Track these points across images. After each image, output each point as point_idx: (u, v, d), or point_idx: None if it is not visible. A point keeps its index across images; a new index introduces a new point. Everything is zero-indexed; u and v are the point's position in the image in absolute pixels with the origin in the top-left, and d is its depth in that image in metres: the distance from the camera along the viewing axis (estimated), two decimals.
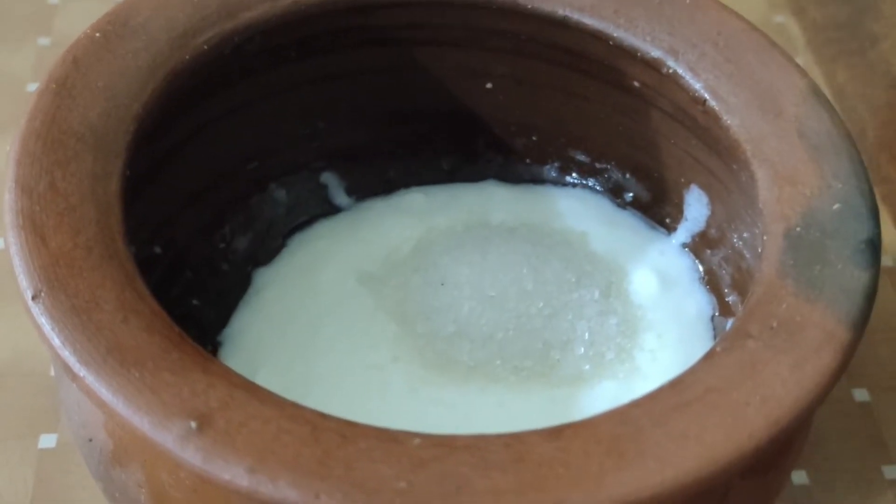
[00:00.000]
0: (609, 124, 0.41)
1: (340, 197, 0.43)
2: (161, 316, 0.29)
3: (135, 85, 0.35)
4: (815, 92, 0.35)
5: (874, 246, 0.31)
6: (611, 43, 0.38)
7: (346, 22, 0.40)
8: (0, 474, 0.39)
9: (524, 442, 0.27)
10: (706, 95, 0.36)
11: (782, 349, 0.29)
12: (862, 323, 0.30)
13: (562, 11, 0.38)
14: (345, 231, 0.42)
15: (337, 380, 0.36)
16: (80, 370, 0.28)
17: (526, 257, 0.40)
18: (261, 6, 0.38)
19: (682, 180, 0.40)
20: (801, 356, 0.29)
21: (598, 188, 0.43)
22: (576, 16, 0.38)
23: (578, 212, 0.43)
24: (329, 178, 0.43)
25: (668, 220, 0.42)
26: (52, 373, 0.41)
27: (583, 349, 0.38)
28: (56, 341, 0.28)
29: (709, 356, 0.29)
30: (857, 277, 0.31)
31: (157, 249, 0.39)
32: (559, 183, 0.44)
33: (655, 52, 0.37)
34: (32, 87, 0.53)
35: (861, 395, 0.42)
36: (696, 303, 0.40)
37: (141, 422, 0.27)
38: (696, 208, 0.40)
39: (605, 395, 0.37)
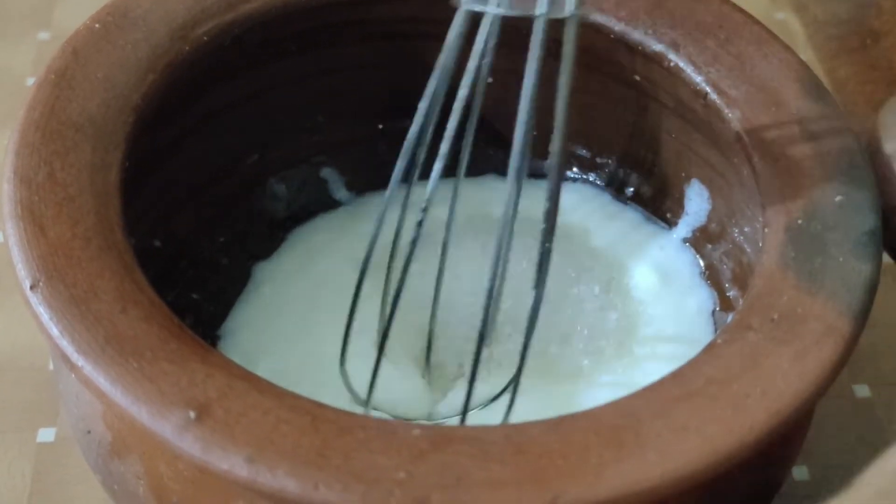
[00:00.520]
0: (610, 118, 0.41)
1: (340, 191, 0.43)
2: (160, 306, 0.29)
3: (134, 76, 0.35)
4: (817, 85, 0.35)
5: (876, 238, 0.31)
6: (612, 36, 0.38)
7: (346, 15, 0.40)
8: None
9: (524, 433, 0.27)
10: (707, 89, 0.36)
11: (783, 341, 0.29)
12: (863, 315, 0.30)
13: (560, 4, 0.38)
14: (344, 225, 0.42)
15: (335, 371, 0.36)
16: (79, 360, 0.28)
17: (526, 251, 0.40)
18: None
19: (683, 174, 0.40)
20: (802, 348, 0.29)
21: (598, 182, 0.43)
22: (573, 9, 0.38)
23: (579, 206, 0.42)
24: (329, 173, 0.43)
25: (668, 215, 0.42)
26: (52, 367, 0.41)
27: (582, 344, 0.38)
28: (54, 331, 0.28)
29: (710, 348, 0.29)
30: (859, 270, 0.30)
31: (157, 243, 0.39)
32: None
33: (657, 46, 0.37)
34: (32, 81, 0.53)
35: (862, 391, 0.42)
36: (697, 298, 0.40)
37: (139, 411, 0.27)
38: (696, 203, 0.40)
39: (604, 389, 0.37)
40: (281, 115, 0.41)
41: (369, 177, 0.43)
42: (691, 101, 0.37)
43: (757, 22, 0.37)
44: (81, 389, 0.31)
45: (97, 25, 0.36)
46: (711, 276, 0.40)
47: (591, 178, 0.43)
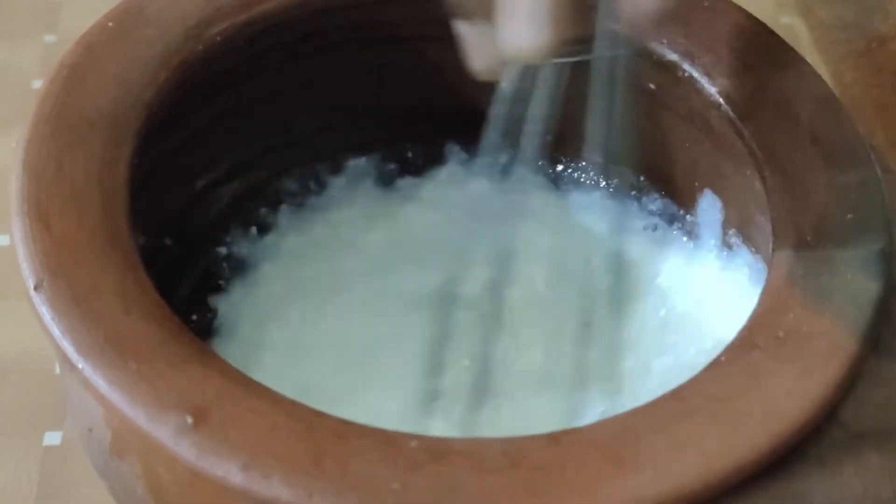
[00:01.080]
0: (624, 126, 0.41)
1: (349, 190, 0.43)
2: (161, 306, 0.29)
3: (147, 73, 0.35)
4: (830, 98, 0.35)
5: (885, 257, 0.31)
6: (624, 43, 0.37)
7: (359, 16, 0.39)
8: (5, 471, 0.39)
9: (521, 447, 0.27)
10: (721, 100, 0.35)
11: (788, 360, 0.28)
12: (870, 334, 0.29)
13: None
14: (354, 221, 0.42)
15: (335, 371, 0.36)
16: (79, 361, 0.28)
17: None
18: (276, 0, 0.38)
19: (696, 184, 0.40)
20: (807, 367, 0.28)
21: (611, 190, 0.43)
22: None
23: (591, 213, 0.42)
24: (340, 172, 0.43)
25: (681, 224, 0.41)
26: (58, 370, 0.41)
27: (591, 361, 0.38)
28: (56, 331, 0.28)
29: (713, 365, 0.29)
30: (867, 289, 0.30)
31: (168, 241, 0.39)
32: (572, 184, 0.43)
33: (671, 55, 0.37)
34: (38, 83, 0.53)
35: None
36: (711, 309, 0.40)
37: (136, 415, 0.27)
38: (709, 213, 0.40)
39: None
40: (293, 116, 0.41)
41: (381, 175, 0.43)
42: (705, 111, 0.36)
43: (773, 33, 0.36)
44: (83, 390, 0.31)
45: (111, 23, 0.36)
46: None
47: (603, 185, 0.43)
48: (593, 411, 0.36)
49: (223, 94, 0.38)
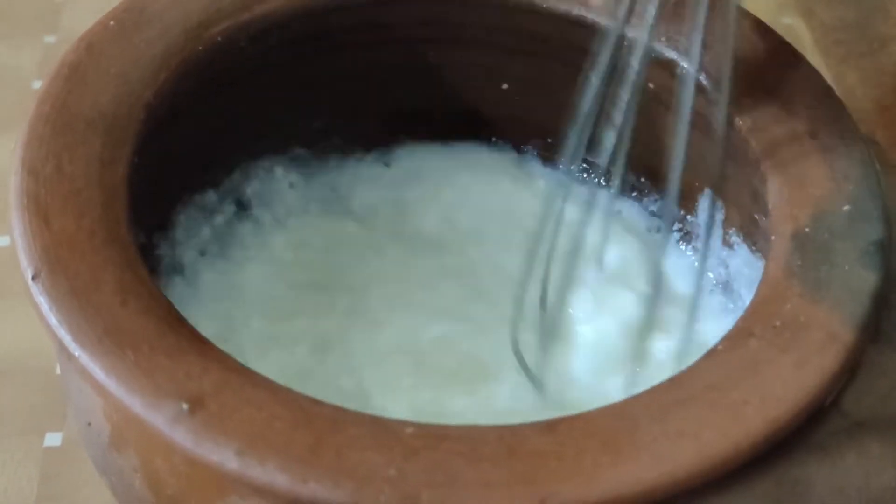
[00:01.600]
0: (620, 125, 0.41)
1: (351, 191, 0.43)
2: (160, 299, 0.29)
3: (148, 73, 0.35)
4: (829, 94, 0.35)
5: (883, 248, 0.31)
6: (626, 44, 0.37)
7: (361, 17, 0.40)
8: (5, 472, 0.39)
9: (518, 434, 0.27)
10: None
11: (784, 349, 0.28)
12: (867, 325, 0.29)
13: (577, 11, 0.38)
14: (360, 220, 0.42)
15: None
16: (76, 350, 0.28)
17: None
18: (277, 0, 0.38)
19: (696, 184, 0.40)
20: (804, 356, 0.28)
21: (612, 191, 0.43)
22: (591, 16, 0.38)
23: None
24: (340, 174, 0.43)
25: (681, 224, 0.41)
26: (58, 370, 0.41)
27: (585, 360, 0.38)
28: (53, 321, 0.28)
29: (710, 354, 0.29)
30: (864, 279, 0.30)
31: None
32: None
33: (670, 54, 0.37)
34: (38, 84, 0.53)
35: None
36: (708, 308, 0.40)
37: (133, 402, 0.27)
38: (709, 212, 0.40)
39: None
40: (294, 117, 0.41)
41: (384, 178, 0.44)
42: (703, 109, 0.36)
43: (770, 30, 0.37)
44: (82, 382, 0.31)
45: (112, 22, 0.36)
46: (725, 287, 0.40)
47: (602, 186, 0.43)
48: None
49: (223, 95, 0.38)
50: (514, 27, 0.40)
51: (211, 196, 0.41)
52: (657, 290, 0.38)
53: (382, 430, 0.27)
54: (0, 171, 0.33)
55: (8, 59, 0.55)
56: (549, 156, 0.44)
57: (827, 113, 0.34)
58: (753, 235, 0.37)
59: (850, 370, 0.29)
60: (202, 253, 0.40)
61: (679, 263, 0.41)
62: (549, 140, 0.43)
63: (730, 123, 0.36)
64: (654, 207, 0.42)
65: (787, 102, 0.35)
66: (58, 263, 0.29)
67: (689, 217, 0.41)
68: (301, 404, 0.27)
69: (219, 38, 0.37)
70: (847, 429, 0.28)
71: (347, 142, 0.43)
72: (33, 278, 0.29)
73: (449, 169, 0.43)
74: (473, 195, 0.43)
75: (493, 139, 0.44)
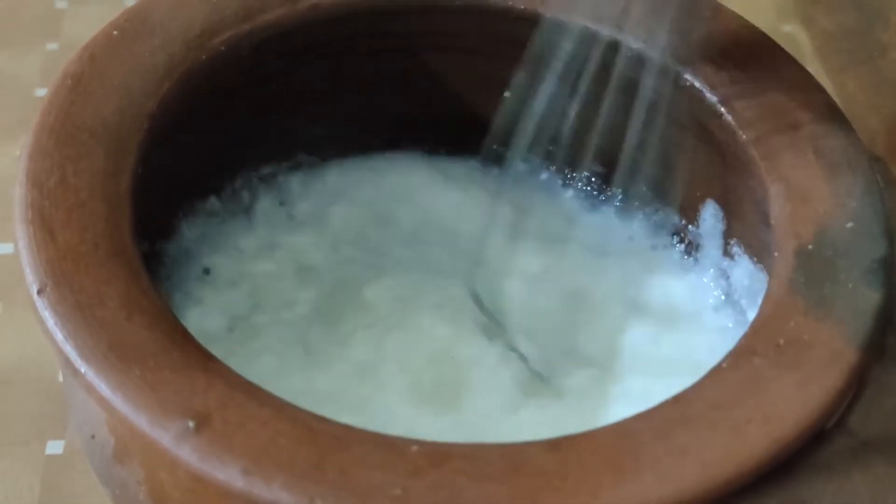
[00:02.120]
0: (625, 135, 0.41)
1: (353, 199, 0.43)
2: (165, 313, 0.29)
3: (150, 83, 0.35)
4: (832, 108, 0.35)
5: (887, 265, 0.31)
6: (629, 54, 0.37)
7: (363, 27, 0.40)
8: (6, 480, 0.39)
9: (521, 453, 0.27)
10: (722, 109, 0.35)
11: (788, 367, 0.29)
12: (871, 344, 0.29)
13: (580, 21, 0.38)
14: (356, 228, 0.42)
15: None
16: (81, 366, 0.28)
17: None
18: (279, 9, 0.38)
19: (698, 194, 0.40)
20: (807, 375, 0.28)
21: (618, 204, 0.43)
22: (594, 26, 0.38)
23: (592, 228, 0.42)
24: (343, 182, 0.43)
25: (682, 234, 0.41)
26: (61, 378, 0.41)
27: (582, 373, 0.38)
28: (59, 336, 0.28)
29: (713, 372, 0.29)
30: (868, 297, 0.30)
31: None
32: (573, 191, 0.44)
33: (673, 64, 0.37)
34: (40, 91, 0.53)
35: None
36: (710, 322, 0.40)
37: (139, 419, 0.27)
38: (711, 224, 0.40)
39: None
40: (296, 125, 0.41)
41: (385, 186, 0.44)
42: (706, 120, 0.36)
43: (774, 42, 0.37)
44: (86, 395, 0.31)
45: (115, 32, 0.36)
46: (727, 299, 0.40)
47: (604, 197, 0.43)
48: None
49: (226, 103, 0.38)
50: (515, 36, 0.40)
51: (214, 203, 0.41)
52: None
53: (387, 447, 0.27)
54: (3, 178, 0.33)
55: (9, 67, 0.55)
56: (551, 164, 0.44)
57: (831, 127, 0.34)
58: (755, 247, 0.37)
59: (855, 389, 0.29)
60: (203, 259, 0.40)
61: (684, 281, 0.41)
62: (549, 148, 0.43)
63: (732, 135, 0.36)
64: (656, 217, 0.42)
65: (790, 116, 0.35)
66: (63, 277, 0.29)
67: (690, 226, 0.41)
68: (305, 420, 0.27)
69: (221, 48, 0.37)
70: (853, 449, 0.28)
71: (348, 150, 0.43)
72: (39, 293, 0.29)
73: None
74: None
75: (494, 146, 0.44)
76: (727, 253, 0.39)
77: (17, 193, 0.31)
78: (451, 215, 0.42)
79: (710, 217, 0.40)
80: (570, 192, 0.44)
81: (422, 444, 0.27)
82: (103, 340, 0.28)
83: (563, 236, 0.42)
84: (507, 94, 0.42)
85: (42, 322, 0.29)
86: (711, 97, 0.36)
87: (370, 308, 0.39)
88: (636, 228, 0.42)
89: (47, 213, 0.31)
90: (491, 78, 0.42)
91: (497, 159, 0.44)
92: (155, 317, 0.29)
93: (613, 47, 0.37)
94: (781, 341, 0.29)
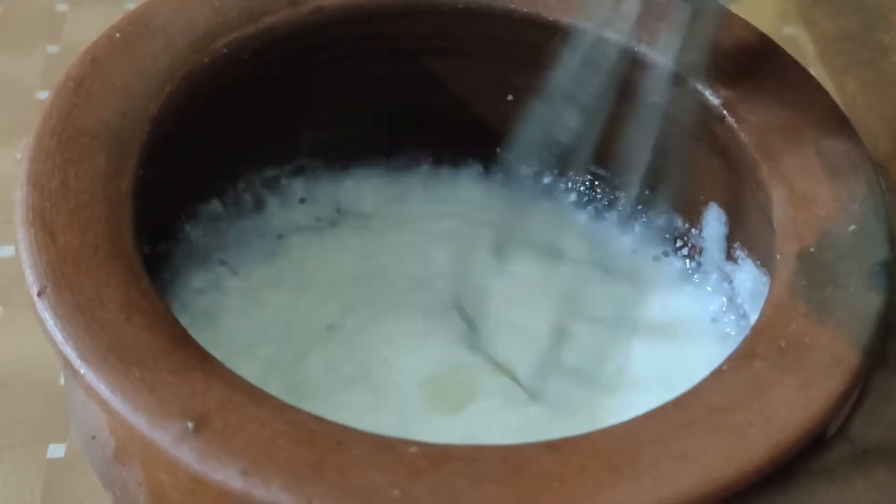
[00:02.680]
0: (628, 138, 0.41)
1: (356, 203, 0.43)
2: (165, 315, 0.29)
3: (152, 86, 0.35)
4: (835, 111, 0.35)
5: (889, 269, 0.31)
6: (632, 58, 0.37)
7: (366, 30, 0.40)
8: (7, 483, 0.39)
9: (521, 455, 0.27)
10: (725, 112, 0.35)
11: (789, 370, 0.28)
12: (872, 347, 0.29)
13: (583, 24, 0.38)
14: (362, 231, 0.42)
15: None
16: (81, 367, 0.28)
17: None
18: (282, 12, 0.38)
19: (702, 198, 0.40)
20: (808, 378, 0.28)
21: (619, 207, 0.43)
22: (597, 30, 0.38)
23: (594, 233, 0.42)
24: (345, 186, 0.43)
25: (685, 238, 0.41)
26: (62, 382, 0.41)
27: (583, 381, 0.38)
28: (58, 337, 0.28)
29: (714, 375, 0.29)
30: (870, 301, 0.30)
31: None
32: (576, 195, 0.44)
33: (676, 68, 0.37)
34: (41, 94, 0.53)
35: None
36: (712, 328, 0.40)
37: (138, 420, 0.27)
38: (714, 227, 0.40)
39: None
40: (299, 129, 0.41)
41: (388, 190, 0.44)
42: (709, 123, 0.36)
43: (777, 46, 0.37)
44: (86, 396, 0.31)
45: (117, 35, 0.36)
46: (730, 303, 0.40)
47: (607, 200, 0.43)
48: None
49: (228, 106, 0.38)
50: (518, 40, 0.40)
51: (216, 206, 0.41)
52: None
53: (386, 449, 0.27)
54: (4, 180, 0.33)
55: (10, 69, 0.55)
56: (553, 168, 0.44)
57: (833, 130, 0.34)
58: (758, 250, 0.37)
59: (856, 393, 0.29)
60: (204, 262, 0.40)
61: (687, 287, 0.41)
62: (553, 151, 0.43)
63: (735, 138, 0.36)
64: (659, 221, 0.42)
65: (793, 119, 0.35)
66: (63, 279, 0.29)
67: (693, 230, 0.41)
68: (304, 422, 0.27)
69: (224, 51, 0.37)
70: (854, 456, 0.28)
71: (351, 153, 0.43)
72: (39, 294, 0.29)
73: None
74: None
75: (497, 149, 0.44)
76: (730, 256, 0.39)
77: (18, 195, 0.31)
78: (451, 220, 0.42)
79: (714, 220, 0.40)
80: (572, 196, 0.44)
81: (421, 445, 0.27)
82: (103, 342, 0.28)
83: (564, 242, 0.42)
84: (510, 97, 0.42)
85: (42, 323, 0.29)
86: (714, 100, 0.36)
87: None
88: (638, 232, 0.42)
89: (48, 215, 0.31)
90: (494, 81, 0.42)
91: (500, 163, 0.44)
92: (154, 318, 0.29)
93: (616, 51, 0.37)
94: (783, 344, 0.29)
